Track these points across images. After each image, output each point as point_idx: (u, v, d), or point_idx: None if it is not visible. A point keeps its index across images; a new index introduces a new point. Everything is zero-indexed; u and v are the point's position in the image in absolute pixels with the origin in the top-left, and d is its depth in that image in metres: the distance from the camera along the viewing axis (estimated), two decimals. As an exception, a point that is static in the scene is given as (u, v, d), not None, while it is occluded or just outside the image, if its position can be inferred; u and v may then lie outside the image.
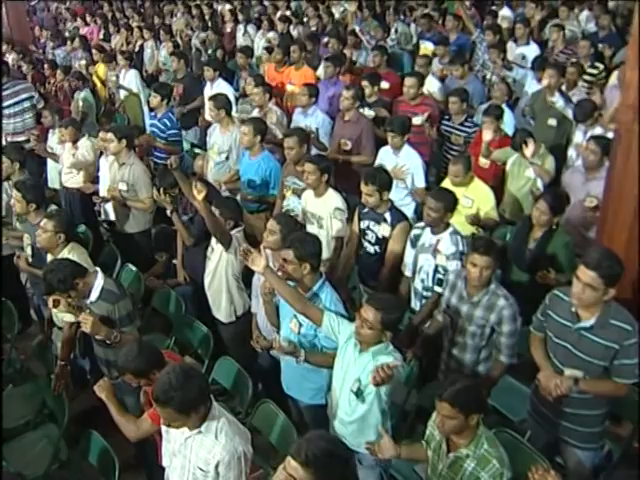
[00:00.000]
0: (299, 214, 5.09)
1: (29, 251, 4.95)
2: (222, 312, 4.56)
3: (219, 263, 4.41)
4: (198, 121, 7.55)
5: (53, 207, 5.15)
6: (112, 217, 5.94)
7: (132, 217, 5.69)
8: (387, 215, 4.58)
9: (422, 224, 4.47)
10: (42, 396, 4.43)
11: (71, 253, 4.31)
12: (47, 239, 4.34)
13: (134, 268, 5.31)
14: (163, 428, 3.10)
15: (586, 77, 7.12)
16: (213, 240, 4.43)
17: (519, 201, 5.54)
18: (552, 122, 6.27)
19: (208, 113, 6.43)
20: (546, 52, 8.37)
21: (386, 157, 5.67)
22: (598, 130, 5.81)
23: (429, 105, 6.49)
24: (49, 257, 4.46)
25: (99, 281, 3.85)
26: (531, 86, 7.25)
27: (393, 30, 8.91)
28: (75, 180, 6.34)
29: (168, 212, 4.96)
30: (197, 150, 7.32)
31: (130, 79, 8.45)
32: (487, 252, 3.70)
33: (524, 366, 4.00)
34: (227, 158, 5.95)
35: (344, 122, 6.11)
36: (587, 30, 9.18)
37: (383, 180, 4.51)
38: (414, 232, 4.49)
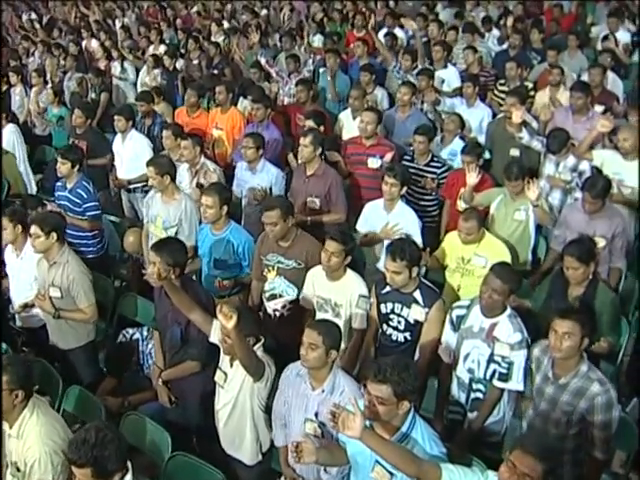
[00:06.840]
0: (288, 299, 4.24)
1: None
2: (245, 453, 3.56)
3: (240, 394, 3.41)
4: (109, 183, 6.30)
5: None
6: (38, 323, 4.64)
7: (69, 330, 4.39)
8: (417, 295, 3.83)
9: (465, 303, 3.78)
10: None
11: (35, 414, 3.07)
12: None
13: (84, 389, 4.09)
14: None
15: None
16: (224, 364, 3.44)
17: (513, 248, 5.00)
18: (515, 152, 5.88)
19: (147, 177, 5.27)
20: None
21: (374, 214, 4.84)
22: (571, 160, 5.45)
23: (387, 146, 5.65)
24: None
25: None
26: (464, 112, 6.82)
27: (310, 61, 8.11)
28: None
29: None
30: (112, 218, 6.09)
31: (7, 136, 6.94)
32: (569, 316, 3.18)
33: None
34: (176, 233, 4.86)
35: (307, 177, 5.15)
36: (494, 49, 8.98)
37: (413, 254, 3.76)
38: (456, 312, 3.77)
